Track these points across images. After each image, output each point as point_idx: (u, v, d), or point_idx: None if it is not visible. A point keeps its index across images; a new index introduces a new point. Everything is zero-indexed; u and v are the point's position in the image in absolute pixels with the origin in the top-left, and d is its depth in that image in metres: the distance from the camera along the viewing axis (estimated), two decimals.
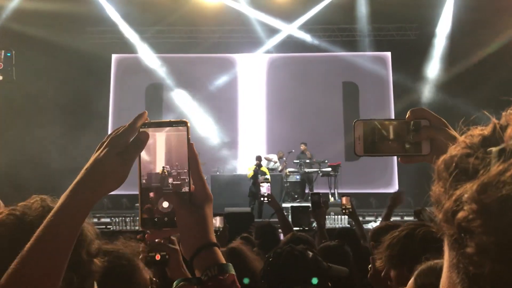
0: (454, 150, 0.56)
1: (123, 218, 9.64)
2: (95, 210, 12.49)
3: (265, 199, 4.03)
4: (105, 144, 0.92)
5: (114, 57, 15.62)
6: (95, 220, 11.73)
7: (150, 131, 0.94)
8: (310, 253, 2.17)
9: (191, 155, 0.94)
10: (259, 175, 12.16)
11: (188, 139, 0.94)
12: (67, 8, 13.22)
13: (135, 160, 0.94)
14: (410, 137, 1.06)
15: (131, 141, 0.92)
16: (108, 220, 10.44)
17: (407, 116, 1.07)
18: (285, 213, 5.08)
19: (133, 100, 15.36)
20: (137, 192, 0.93)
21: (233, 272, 0.90)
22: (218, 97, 15.15)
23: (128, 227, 9.07)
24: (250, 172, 12.30)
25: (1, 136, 12.83)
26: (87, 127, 13.53)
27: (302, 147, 13.27)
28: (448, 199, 0.52)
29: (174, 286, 0.91)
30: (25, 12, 13.16)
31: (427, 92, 14.43)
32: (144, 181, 0.94)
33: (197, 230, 0.92)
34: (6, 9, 13.39)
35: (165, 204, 0.93)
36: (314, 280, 2.33)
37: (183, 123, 0.95)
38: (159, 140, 0.94)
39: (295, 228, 4.89)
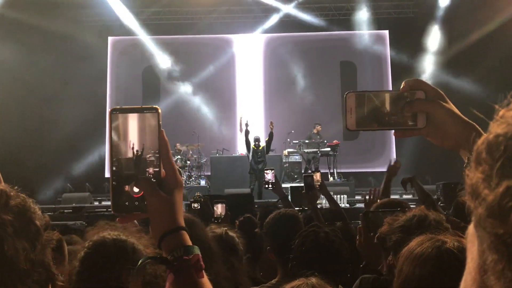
0: (499, 128, 0.45)
1: None
2: (96, 194, 12.53)
3: (270, 186, 4.03)
4: None
5: (110, 39, 15.48)
6: (96, 203, 11.79)
7: (122, 116, 0.95)
8: None
9: (162, 142, 0.95)
10: (258, 153, 12.14)
11: (159, 126, 0.95)
12: None
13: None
14: (403, 109, 0.98)
15: None
16: (109, 203, 10.40)
17: (401, 87, 1.00)
18: (286, 193, 5.10)
19: (130, 83, 15.32)
20: None
21: (198, 252, 0.93)
22: (215, 78, 15.08)
23: None
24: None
25: None
26: (84, 110, 13.49)
27: (319, 127, 13.00)
28: (493, 190, 0.43)
29: (139, 263, 0.93)
30: None
31: (426, 71, 14.36)
32: (114, 165, 0.95)
33: (166, 215, 0.94)
34: None
35: (136, 189, 0.95)
36: None
37: (154, 109, 0.95)
38: (130, 126, 0.95)
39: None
